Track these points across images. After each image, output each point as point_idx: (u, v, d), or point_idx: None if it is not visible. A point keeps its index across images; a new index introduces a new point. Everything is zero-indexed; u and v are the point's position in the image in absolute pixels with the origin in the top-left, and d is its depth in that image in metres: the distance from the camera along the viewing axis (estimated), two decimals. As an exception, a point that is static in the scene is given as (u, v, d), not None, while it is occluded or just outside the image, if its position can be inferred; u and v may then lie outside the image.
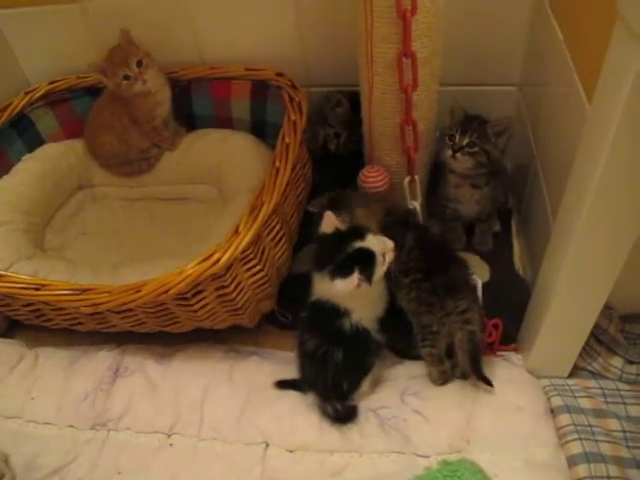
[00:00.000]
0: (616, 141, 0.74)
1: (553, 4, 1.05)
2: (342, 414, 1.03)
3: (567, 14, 0.98)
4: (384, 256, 0.96)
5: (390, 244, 0.97)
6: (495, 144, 1.11)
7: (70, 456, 1.05)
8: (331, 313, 1.00)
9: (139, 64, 1.23)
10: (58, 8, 1.32)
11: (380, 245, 0.96)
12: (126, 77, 1.22)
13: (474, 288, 1.05)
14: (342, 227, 0.98)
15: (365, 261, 0.94)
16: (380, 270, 0.96)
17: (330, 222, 0.98)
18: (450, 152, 1.10)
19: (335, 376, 1.01)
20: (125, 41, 1.22)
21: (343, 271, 0.94)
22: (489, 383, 1.01)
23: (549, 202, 1.07)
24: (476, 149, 1.09)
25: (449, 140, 1.11)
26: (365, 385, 1.05)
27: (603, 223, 0.83)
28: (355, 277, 0.92)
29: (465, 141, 1.09)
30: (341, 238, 0.97)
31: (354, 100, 1.22)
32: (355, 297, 0.98)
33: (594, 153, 0.78)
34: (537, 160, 1.16)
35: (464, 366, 1.04)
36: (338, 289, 0.94)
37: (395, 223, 1.09)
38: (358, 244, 0.95)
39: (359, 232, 0.97)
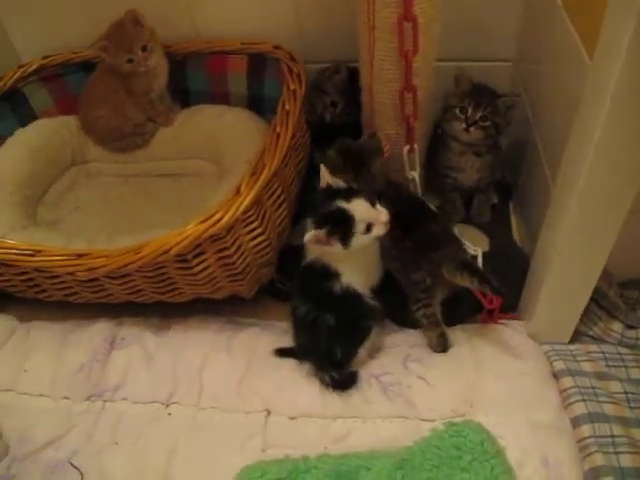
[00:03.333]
0: (618, 90, 0.74)
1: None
2: (340, 382, 1.02)
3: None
4: (369, 225, 0.93)
5: (383, 217, 0.93)
6: (504, 117, 1.12)
7: (65, 428, 1.03)
8: (320, 275, 0.99)
9: (144, 49, 1.22)
10: (53, -19, 1.30)
11: (367, 213, 0.93)
12: (129, 60, 1.22)
13: (455, 237, 1.05)
14: (334, 184, 0.95)
15: (342, 223, 0.92)
16: (361, 238, 0.93)
17: (324, 177, 0.96)
18: (464, 125, 1.11)
19: (328, 343, 0.99)
20: (131, 24, 1.20)
21: (318, 225, 0.92)
22: (500, 291, 0.96)
23: (548, 171, 1.08)
24: (488, 123, 1.11)
25: (460, 112, 1.11)
26: (362, 352, 1.03)
27: (603, 179, 0.84)
28: (313, 232, 0.91)
29: (478, 115, 1.10)
30: (329, 195, 0.95)
31: (352, 72, 1.22)
32: (344, 259, 0.97)
33: (596, 107, 0.79)
34: (535, 132, 1.17)
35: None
36: (306, 239, 0.92)
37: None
38: (340, 204, 0.93)
39: (347, 193, 0.94)
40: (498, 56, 1.30)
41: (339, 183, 0.97)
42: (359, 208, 0.93)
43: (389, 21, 1.01)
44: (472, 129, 1.10)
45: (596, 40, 0.79)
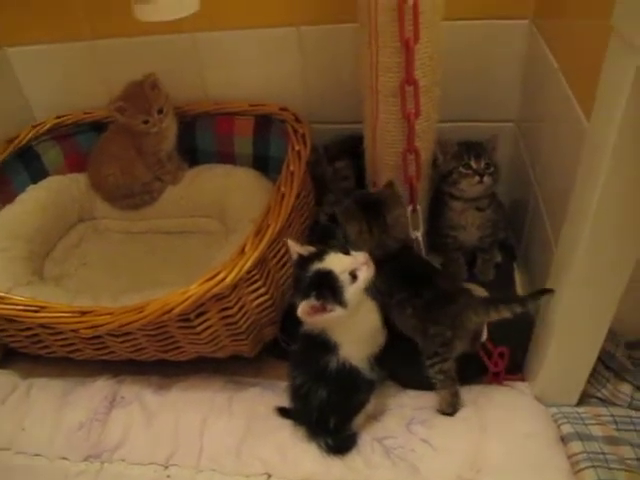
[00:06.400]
0: (615, 152, 0.75)
1: (547, 36, 1.10)
2: (335, 447, 1.00)
3: (561, 43, 1.03)
4: (353, 273, 0.88)
5: (361, 258, 0.89)
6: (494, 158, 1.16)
7: (61, 490, 1.01)
8: (318, 347, 0.95)
9: (160, 111, 1.27)
10: (67, 46, 1.36)
11: (345, 262, 0.89)
12: (145, 122, 1.26)
13: (465, 289, 1.04)
14: (304, 252, 0.92)
15: (326, 282, 0.87)
16: (352, 289, 0.88)
17: (293, 250, 0.93)
18: (477, 178, 1.13)
19: (320, 414, 0.97)
20: (150, 87, 1.25)
21: (305, 296, 0.87)
22: (547, 290, 0.96)
23: (551, 231, 1.08)
24: (492, 168, 1.14)
25: (465, 169, 1.13)
26: (359, 419, 1.01)
27: (605, 239, 0.84)
28: (304, 303, 0.86)
29: (483, 163, 1.13)
30: (304, 264, 0.90)
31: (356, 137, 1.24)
32: (345, 327, 0.93)
33: (594, 168, 0.80)
34: (537, 191, 1.18)
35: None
36: (300, 313, 0.87)
37: None
38: (316, 266, 0.88)
39: (319, 254, 0.90)
40: (500, 117, 1.33)
41: (309, 249, 0.93)
42: (334, 261, 0.89)
43: (391, 85, 1.04)
44: (485, 178, 1.13)
45: (593, 102, 0.81)
